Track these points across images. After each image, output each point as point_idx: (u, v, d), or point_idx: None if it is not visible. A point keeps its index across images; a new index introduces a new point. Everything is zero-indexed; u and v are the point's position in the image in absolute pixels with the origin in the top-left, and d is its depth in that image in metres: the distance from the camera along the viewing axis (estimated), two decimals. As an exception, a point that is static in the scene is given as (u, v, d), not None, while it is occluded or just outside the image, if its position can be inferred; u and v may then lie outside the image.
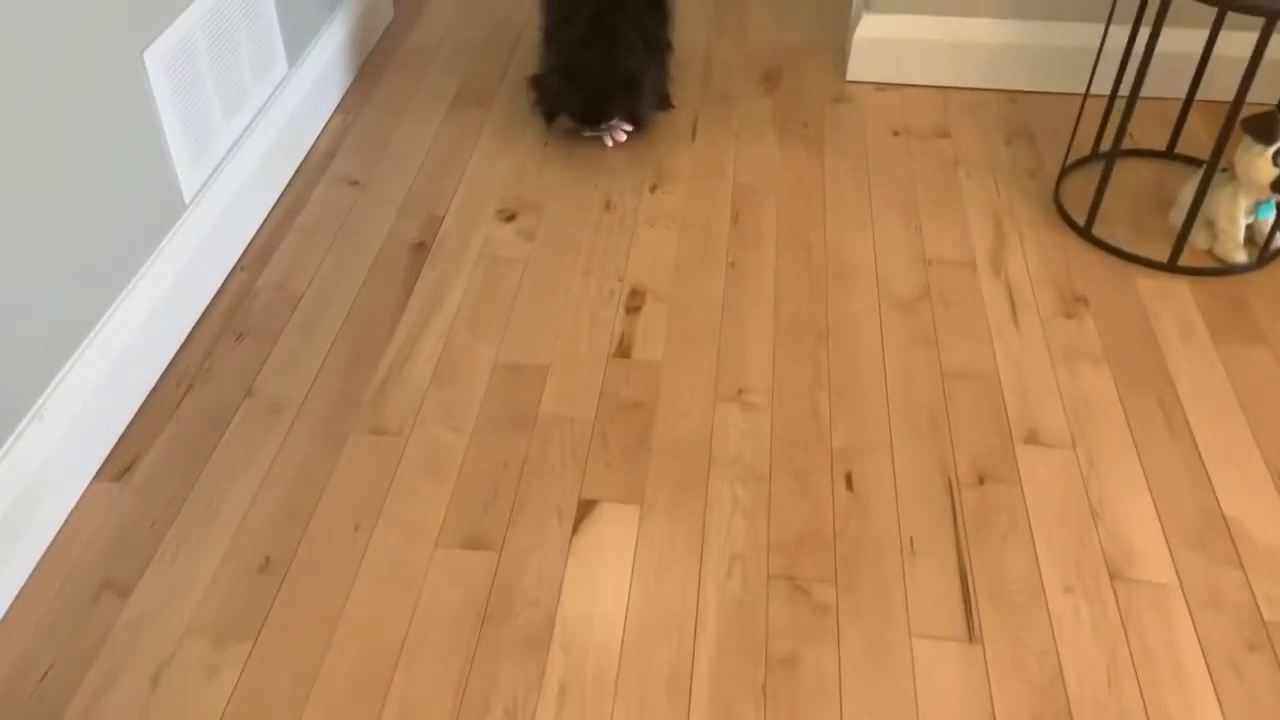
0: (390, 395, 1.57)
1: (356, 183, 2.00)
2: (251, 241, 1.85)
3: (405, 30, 2.47)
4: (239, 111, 1.80)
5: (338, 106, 2.21)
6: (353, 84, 2.28)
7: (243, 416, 1.53)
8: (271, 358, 1.62)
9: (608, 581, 1.32)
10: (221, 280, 1.75)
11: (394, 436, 1.50)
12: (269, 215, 1.91)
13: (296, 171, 2.02)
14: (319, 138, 2.11)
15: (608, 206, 1.95)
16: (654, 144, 2.11)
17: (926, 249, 1.85)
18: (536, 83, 2.06)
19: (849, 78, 2.29)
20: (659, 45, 2.11)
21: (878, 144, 2.11)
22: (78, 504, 1.40)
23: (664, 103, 2.17)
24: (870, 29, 2.23)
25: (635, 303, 1.74)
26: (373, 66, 2.34)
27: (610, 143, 2.06)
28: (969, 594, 1.31)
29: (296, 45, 2.01)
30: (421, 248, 1.85)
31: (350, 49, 2.25)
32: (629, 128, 2.07)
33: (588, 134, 2.04)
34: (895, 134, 2.14)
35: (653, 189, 1.99)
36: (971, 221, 1.91)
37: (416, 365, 1.62)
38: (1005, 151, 2.09)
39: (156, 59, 1.54)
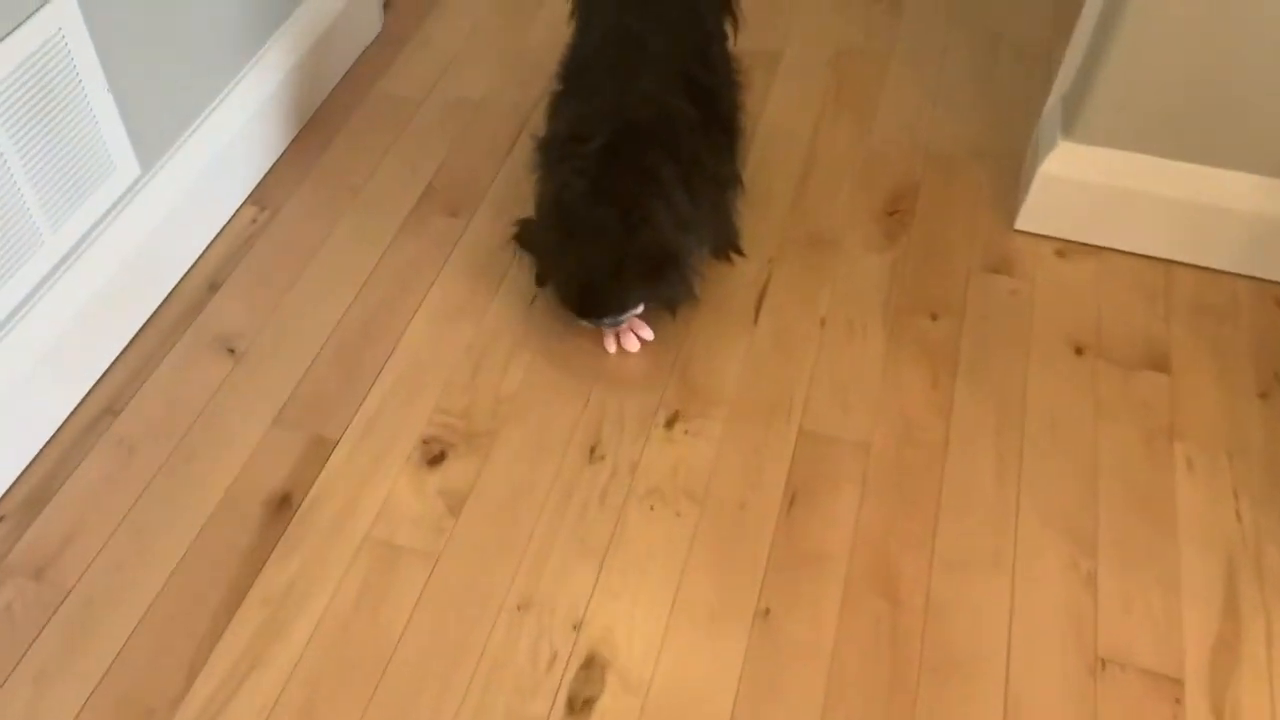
0: None
1: (233, 350, 1.33)
2: (30, 466, 1.22)
3: (389, 57, 1.74)
4: (19, 270, 1.14)
5: (256, 187, 1.53)
6: (291, 146, 1.59)
7: None
8: (-34, 747, 1.01)
9: None
10: (-47, 552, 1.13)
11: None
12: (74, 413, 1.26)
13: (150, 320, 1.36)
14: (208, 249, 1.44)
15: (592, 452, 1.24)
16: (692, 323, 1.37)
17: (1101, 632, 1.09)
18: (523, 230, 1.33)
19: (1019, 225, 1.48)
20: (720, 183, 1.35)
21: (1045, 371, 1.32)
22: None
23: (724, 250, 1.42)
24: (1063, 163, 1.41)
25: (586, 689, 1.05)
26: (329, 115, 1.63)
27: (613, 347, 1.34)
28: None
29: (168, 127, 1.32)
30: (284, 508, 1.19)
31: (295, 89, 1.55)
32: (647, 334, 1.35)
33: (585, 323, 1.32)
34: (1078, 352, 1.35)
35: (671, 421, 1.27)
36: (1186, 578, 1.13)
37: (189, 799, 0.98)
38: (1260, 417, 1.28)
39: None
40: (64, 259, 1.20)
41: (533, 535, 1.16)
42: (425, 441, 1.24)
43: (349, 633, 1.08)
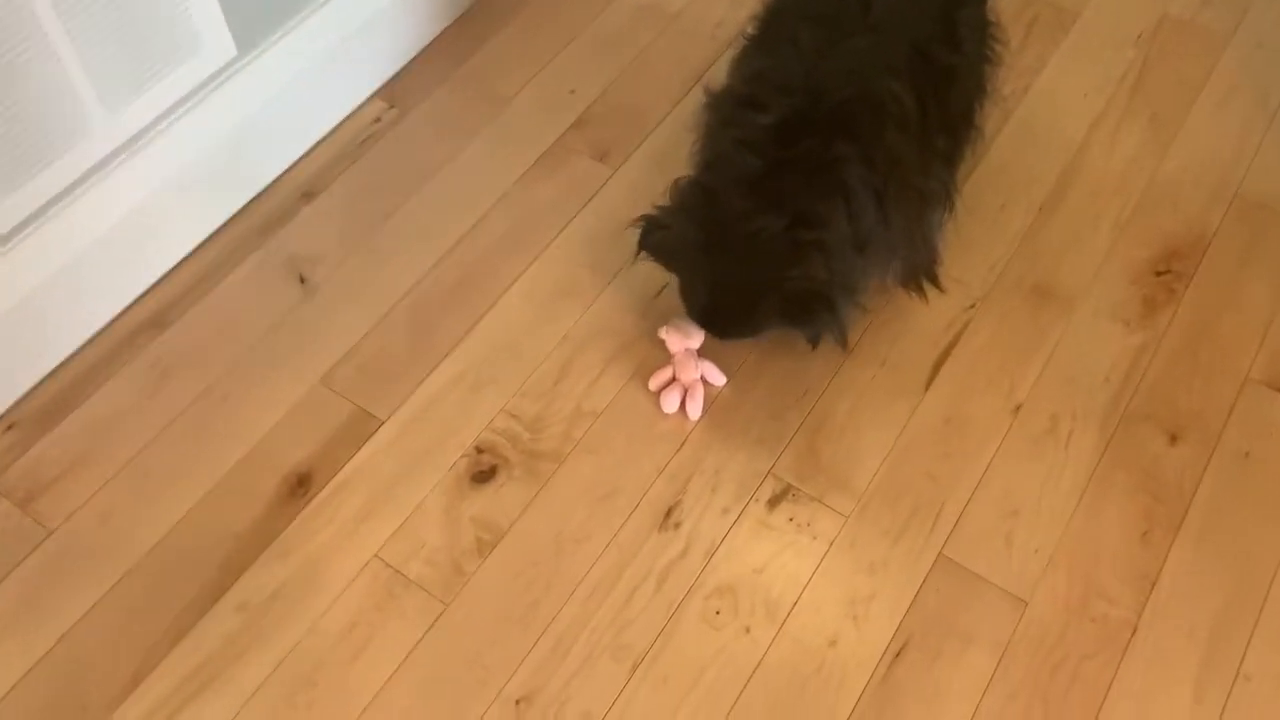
0: None
1: (305, 280, 1.15)
2: (56, 371, 1.08)
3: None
4: (65, 153, 0.98)
5: (390, 81, 1.31)
6: (441, 36, 1.34)
7: None
8: (-107, 695, 0.91)
9: None
10: (-51, 460, 1.02)
11: None
12: (119, 318, 1.12)
13: (227, 224, 1.19)
14: (316, 147, 1.24)
15: (668, 516, 0.99)
16: (842, 371, 1.07)
17: None
18: (651, 231, 1.02)
19: (1340, 333, 1.07)
20: (925, 199, 1.01)
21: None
22: None
23: (915, 278, 1.09)
24: None
25: (562, 839, 0.85)
26: (495, 2, 1.38)
27: (672, 407, 1.04)
28: None
29: (278, 5, 1.10)
30: (299, 491, 1.01)
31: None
32: (718, 379, 1.06)
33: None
34: (1372, 544, 0.95)
35: (776, 498, 0.99)
36: None
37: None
38: None
39: None
40: (126, 144, 1.03)
41: (564, 609, 0.94)
42: (479, 450, 1.03)
43: (319, 675, 0.91)
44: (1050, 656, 0.90)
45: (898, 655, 0.91)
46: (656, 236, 0.99)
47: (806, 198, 0.92)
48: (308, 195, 1.21)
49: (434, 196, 1.20)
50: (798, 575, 0.95)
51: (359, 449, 1.03)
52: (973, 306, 1.10)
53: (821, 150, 0.90)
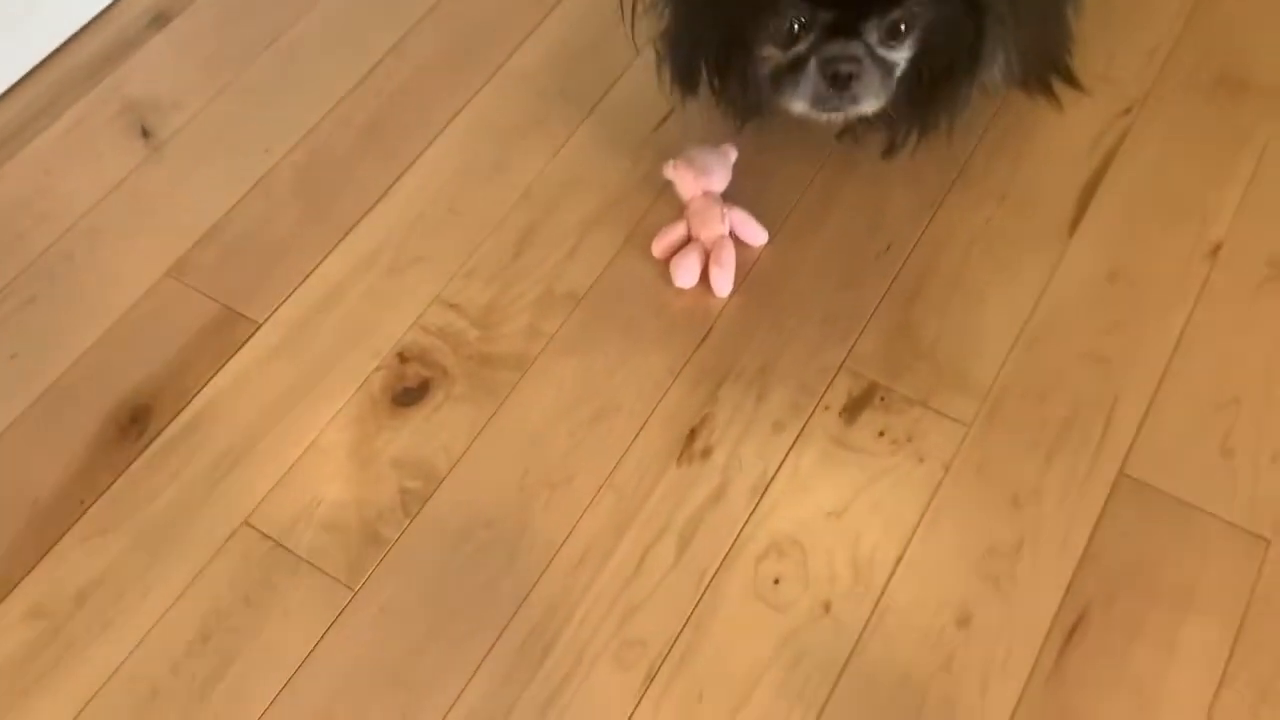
0: None
1: (149, 134, 0.79)
2: None
3: None
4: None
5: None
6: None
7: None
8: None
9: None
10: None
11: None
12: (-123, 199, 0.79)
13: (50, 59, 0.84)
14: (175, -41, 0.91)
15: (691, 440, 0.65)
16: (940, 212, 0.72)
17: None
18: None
19: None
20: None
21: None
22: None
23: (1043, 75, 0.73)
24: None
25: None
26: None
27: (688, 279, 0.68)
28: None
29: None
30: (131, 432, 0.67)
31: None
32: (758, 237, 0.69)
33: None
34: None
35: (855, 405, 0.65)
36: None
37: None
38: None
39: None
40: None
41: (535, 590, 0.60)
42: (403, 358, 0.69)
43: (154, 713, 0.58)
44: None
45: (1070, 635, 0.57)
46: None
47: None
48: (159, 19, 0.85)
49: (336, 11, 0.85)
50: (899, 518, 0.61)
51: (223, 366, 0.69)
52: (1129, 111, 0.74)
53: None
